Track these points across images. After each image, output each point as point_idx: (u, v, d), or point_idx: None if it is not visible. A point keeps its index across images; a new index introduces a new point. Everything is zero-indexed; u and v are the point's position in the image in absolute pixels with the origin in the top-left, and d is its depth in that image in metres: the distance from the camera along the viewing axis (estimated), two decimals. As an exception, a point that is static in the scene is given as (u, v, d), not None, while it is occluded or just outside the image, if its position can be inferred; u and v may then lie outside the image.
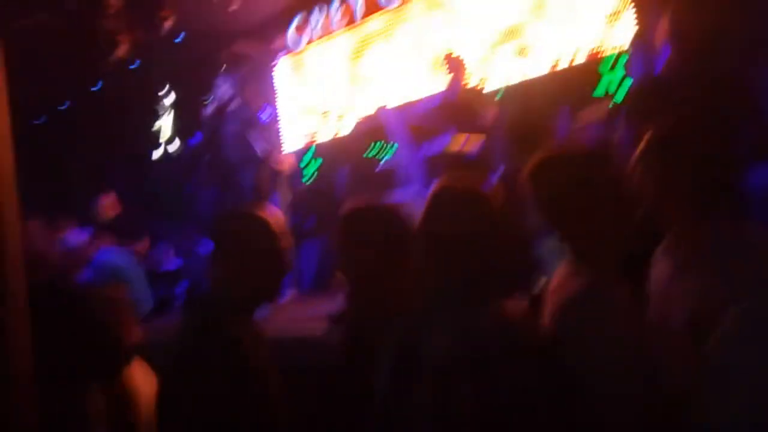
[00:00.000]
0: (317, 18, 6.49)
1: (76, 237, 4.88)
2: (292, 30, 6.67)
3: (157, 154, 7.58)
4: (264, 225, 1.59)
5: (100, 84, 7.23)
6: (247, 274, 1.55)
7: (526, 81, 5.11)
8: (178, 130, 7.34)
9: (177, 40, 6.60)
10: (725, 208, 1.30)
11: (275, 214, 1.64)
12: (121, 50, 6.20)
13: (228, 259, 1.58)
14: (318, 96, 6.71)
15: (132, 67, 6.90)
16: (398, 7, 5.93)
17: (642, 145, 1.38)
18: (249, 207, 1.70)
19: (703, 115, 1.45)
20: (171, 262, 5.90)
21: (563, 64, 4.96)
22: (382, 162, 4.41)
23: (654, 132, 1.38)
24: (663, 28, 2.44)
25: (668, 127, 1.37)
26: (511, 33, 5.25)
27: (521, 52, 5.13)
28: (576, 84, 4.78)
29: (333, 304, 2.75)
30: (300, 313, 3.63)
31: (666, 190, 1.31)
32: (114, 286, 2.59)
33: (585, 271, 1.28)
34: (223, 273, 1.58)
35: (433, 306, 1.31)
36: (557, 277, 1.39)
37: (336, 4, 6.30)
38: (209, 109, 5.59)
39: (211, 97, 5.64)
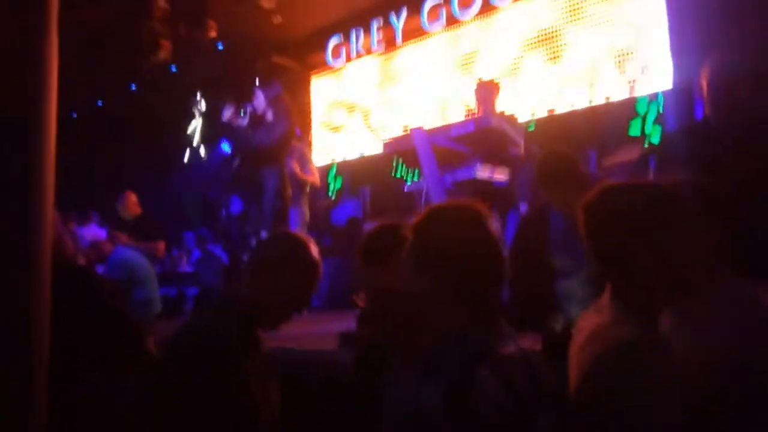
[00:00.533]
0: (357, 37, 6.52)
1: (94, 232, 4.89)
2: (331, 47, 6.71)
3: (186, 157, 7.66)
4: (304, 244, 1.66)
5: (134, 85, 7.35)
6: (285, 288, 1.60)
7: (559, 114, 5.06)
8: (208, 137, 7.40)
9: (218, 48, 6.69)
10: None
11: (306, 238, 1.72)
12: (162, 53, 6.31)
13: (267, 272, 1.62)
14: (350, 114, 6.72)
15: (169, 70, 7.02)
16: (439, 32, 5.93)
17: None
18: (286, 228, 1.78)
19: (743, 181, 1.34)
20: (186, 265, 5.88)
21: (599, 100, 4.89)
22: (407, 185, 4.34)
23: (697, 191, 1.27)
24: (705, 77, 2.35)
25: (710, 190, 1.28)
26: (548, 64, 5.22)
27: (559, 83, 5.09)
28: (610, 121, 4.70)
29: (345, 323, 2.67)
30: (311, 330, 3.55)
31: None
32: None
33: (631, 319, 1.16)
34: (260, 284, 1.61)
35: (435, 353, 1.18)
36: (589, 322, 1.26)
37: (377, 25, 6.33)
38: (243, 119, 5.62)
39: (247, 107, 5.67)
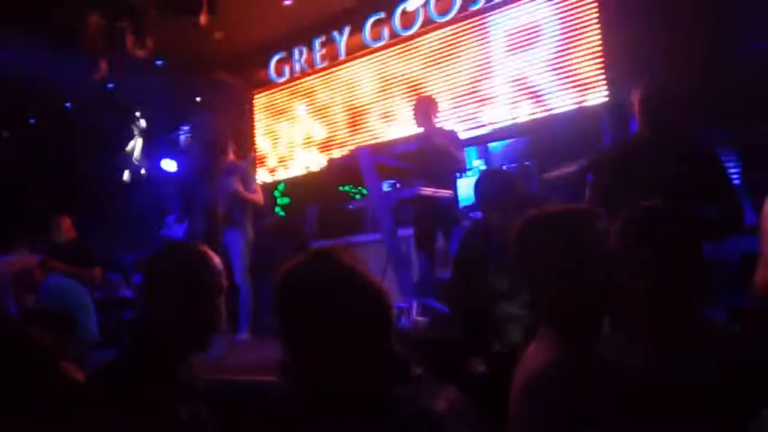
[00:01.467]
0: (300, 54, 6.48)
1: (22, 258, 4.65)
2: (273, 64, 6.65)
3: (126, 176, 7.40)
4: (204, 259, 1.49)
5: (70, 103, 7.08)
6: (187, 308, 1.44)
7: (502, 128, 5.16)
8: (148, 155, 7.18)
9: (157, 64, 6.52)
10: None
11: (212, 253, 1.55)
12: (99, 70, 6.10)
13: (163, 293, 1.46)
14: (293, 131, 6.66)
15: (107, 87, 6.79)
16: (380, 47, 5.96)
17: (620, 225, 1.28)
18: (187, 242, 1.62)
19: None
20: (126, 290, 5.66)
21: (542, 113, 5.00)
22: (352, 202, 4.32)
23: (628, 218, 1.29)
24: (636, 96, 2.49)
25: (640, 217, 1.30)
26: (494, 77, 5.31)
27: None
28: (554, 134, 4.81)
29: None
30: (251, 357, 3.45)
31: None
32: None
33: (553, 345, 1.17)
34: (158, 308, 1.46)
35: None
36: (530, 347, 1.27)
37: (319, 41, 6.31)
38: (183, 137, 5.50)
39: (187, 126, 5.55)
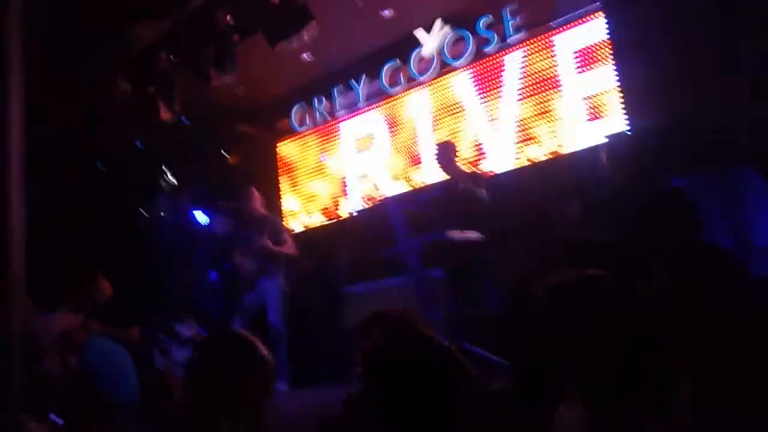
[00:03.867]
0: (319, 103, 6.65)
1: (67, 320, 4.76)
2: (294, 114, 6.82)
3: (153, 230, 7.57)
4: (250, 345, 1.55)
5: (100, 162, 7.31)
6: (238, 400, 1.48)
7: (522, 167, 5.21)
8: (177, 212, 7.35)
9: (182, 121, 6.73)
10: None
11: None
12: (126, 130, 6.33)
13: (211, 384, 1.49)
14: (318, 179, 6.79)
15: (135, 144, 7.03)
16: (400, 95, 6.09)
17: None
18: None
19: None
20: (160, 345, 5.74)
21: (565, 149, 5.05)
22: (384, 250, 4.38)
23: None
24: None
25: None
26: (510, 124, 5.39)
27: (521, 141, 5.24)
28: (576, 170, 4.84)
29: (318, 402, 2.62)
30: (293, 411, 3.49)
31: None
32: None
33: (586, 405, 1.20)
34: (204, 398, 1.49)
35: None
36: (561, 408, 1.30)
37: (338, 90, 6.47)
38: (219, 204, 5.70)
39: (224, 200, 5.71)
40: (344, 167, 6.54)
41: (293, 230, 6.54)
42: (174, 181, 7.38)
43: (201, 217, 6.94)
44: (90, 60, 5.56)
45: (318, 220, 6.68)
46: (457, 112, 5.72)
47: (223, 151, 7.16)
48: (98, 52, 5.50)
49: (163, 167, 7.51)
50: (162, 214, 7.23)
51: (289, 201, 6.97)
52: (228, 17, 5.04)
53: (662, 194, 3.04)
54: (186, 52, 5.25)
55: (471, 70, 5.64)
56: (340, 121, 6.59)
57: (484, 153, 5.52)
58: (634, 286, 1.34)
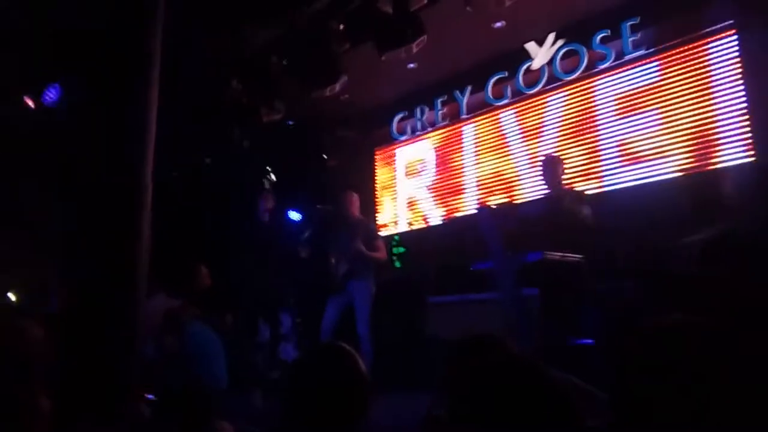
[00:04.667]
0: (422, 112, 6.65)
1: (166, 304, 5.01)
2: (395, 123, 6.87)
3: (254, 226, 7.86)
4: (351, 358, 1.52)
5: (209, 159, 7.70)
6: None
7: (627, 187, 4.94)
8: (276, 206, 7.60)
9: (287, 124, 6.97)
10: None
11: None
12: (236, 132, 6.64)
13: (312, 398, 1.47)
14: (413, 187, 6.78)
15: (242, 144, 7.34)
16: (504, 105, 5.97)
17: None
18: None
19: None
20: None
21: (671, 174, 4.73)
22: (475, 264, 4.28)
23: None
24: None
25: None
26: (615, 140, 5.13)
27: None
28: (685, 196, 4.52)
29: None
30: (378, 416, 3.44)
31: None
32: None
33: None
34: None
35: None
36: None
37: (441, 100, 6.45)
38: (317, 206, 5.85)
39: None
40: (439, 177, 6.48)
41: (384, 235, 6.57)
42: (276, 180, 7.64)
43: (295, 217, 7.13)
44: (205, 59, 5.88)
45: (408, 225, 6.68)
46: (566, 127, 5.51)
47: (324, 155, 7.33)
48: (213, 52, 5.81)
49: (267, 167, 7.81)
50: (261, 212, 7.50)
51: (384, 207, 7.01)
52: (340, 25, 5.16)
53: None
54: (296, 57, 5.43)
55: (583, 83, 5.41)
56: (439, 131, 6.55)
57: (590, 172, 5.27)
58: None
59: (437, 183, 6.57)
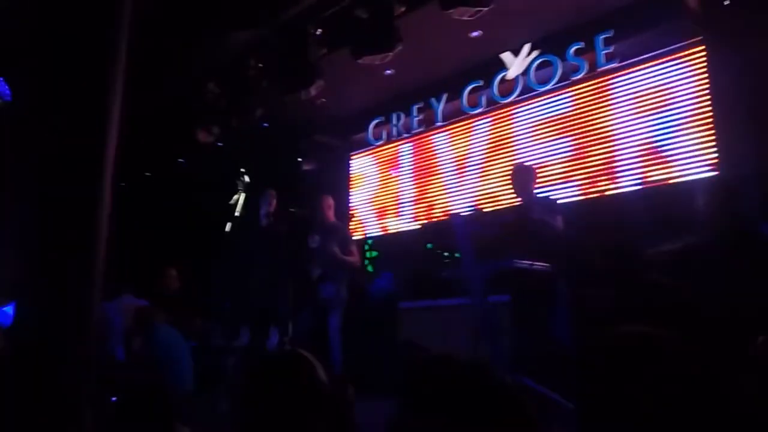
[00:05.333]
0: (398, 119, 6.68)
1: (134, 303, 4.96)
2: (371, 128, 6.88)
3: (227, 228, 7.78)
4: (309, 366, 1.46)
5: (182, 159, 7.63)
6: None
7: (595, 198, 5.02)
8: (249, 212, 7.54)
9: (263, 126, 6.94)
10: None
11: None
12: (211, 132, 6.58)
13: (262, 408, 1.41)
14: (387, 192, 6.80)
15: (216, 145, 7.28)
16: (480, 114, 6.03)
17: None
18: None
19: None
20: (218, 338, 5.87)
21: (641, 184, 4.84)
22: (445, 271, 4.30)
23: None
24: None
25: None
26: (587, 148, 5.22)
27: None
28: (654, 207, 4.62)
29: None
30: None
31: None
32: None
33: None
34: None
35: None
36: None
37: (417, 107, 6.49)
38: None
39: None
40: (412, 182, 6.51)
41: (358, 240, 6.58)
42: (250, 182, 7.58)
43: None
44: (184, 62, 5.83)
45: (380, 230, 6.70)
46: (540, 136, 5.59)
47: (299, 159, 7.31)
48: (193, 55, 5.76)
49: (242, 169, 7.75)
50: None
51: (358, 211, 7.01)
52: (318, 30, 5.17)
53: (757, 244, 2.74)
54: (274, 61, 5.42)
55: (557, 96, 5.50)
56: (415, 138, 6.59)
57: (561, 181, 5.35)
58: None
59: (408, 189, 6.59)
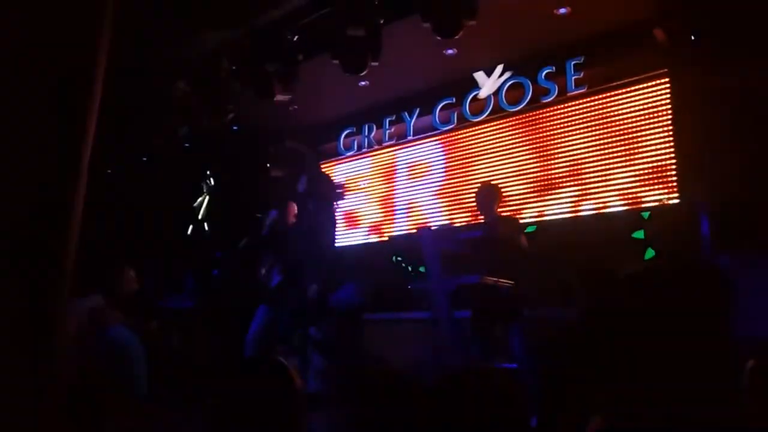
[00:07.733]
0: (369, 130, 6.70)
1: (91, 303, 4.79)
2: (342, 138, 6.89)
3: (189, 229, 7.64)
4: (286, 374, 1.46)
5: (147, 156, 7.46)
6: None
7: (558, 220, 5.13)
8: (212, 214, 7.44)
9: (233, 129, 6.86)
10: None
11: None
12: (179, 131, 6.46)
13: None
14: (355, 203, 6.80)
15: (183, 146, 7.16)
16: (448, 131, 6.10)
17: None
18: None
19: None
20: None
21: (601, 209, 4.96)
22: (412, 283, 4.31)
23: None
24: None
25: None
26: (552, 170, 5.33)
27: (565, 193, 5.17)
28: (611, 230, 4.74)
29: None
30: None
31: None
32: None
33: None
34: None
35: None
36: None
37: (389, 120, 6.52)
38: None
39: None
40: (380, 195, 6.53)
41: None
42: (214, 185, 7.49)
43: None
44: (155, 58, 5.73)
45: (347, 241, 6.68)
46: (507, 156, 5.68)
47: (267, 164, 7.25)
48: (163, 52, 5.66)
49: (207, 171, 7.64)
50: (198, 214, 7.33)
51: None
52: (295, 37, 5.15)
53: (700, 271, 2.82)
54: (249, 64, 5.36)
55: (526, 116, 5.62)
56: (385, 150, 6.62)
57: (525, 201, 5.45)
58: None
59: (374, 201, 6.61)
